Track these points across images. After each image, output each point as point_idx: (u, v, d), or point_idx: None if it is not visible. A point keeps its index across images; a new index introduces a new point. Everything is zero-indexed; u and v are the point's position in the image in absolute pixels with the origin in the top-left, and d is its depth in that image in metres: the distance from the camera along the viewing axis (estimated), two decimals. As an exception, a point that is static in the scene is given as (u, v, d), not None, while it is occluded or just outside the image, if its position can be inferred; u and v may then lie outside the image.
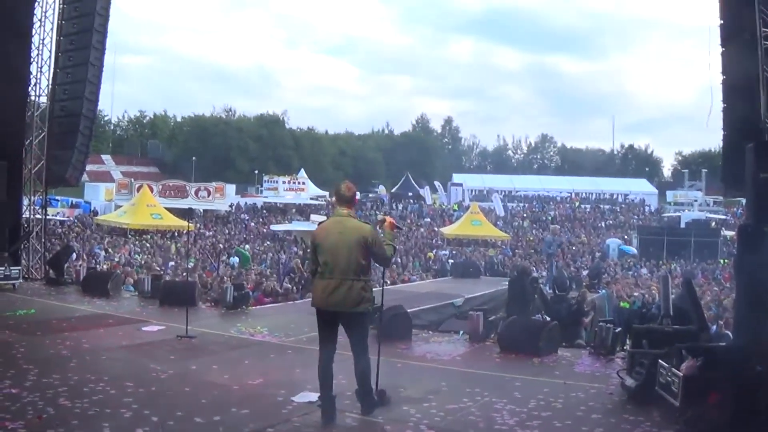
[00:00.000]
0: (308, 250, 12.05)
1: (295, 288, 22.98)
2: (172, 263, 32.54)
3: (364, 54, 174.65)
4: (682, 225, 56.60)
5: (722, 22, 14.45)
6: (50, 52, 21.63)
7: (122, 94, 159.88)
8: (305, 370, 10.53)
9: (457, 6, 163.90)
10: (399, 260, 33.81)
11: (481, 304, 19.29)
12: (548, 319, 14.91)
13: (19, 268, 19.71)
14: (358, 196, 9.47)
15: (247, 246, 41.95)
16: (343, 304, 8.18)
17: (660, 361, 8.98)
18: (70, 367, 10.17)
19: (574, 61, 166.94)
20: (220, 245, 43.68)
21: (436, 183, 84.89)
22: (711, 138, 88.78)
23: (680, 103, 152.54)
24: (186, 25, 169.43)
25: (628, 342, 12.98)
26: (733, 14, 14.12)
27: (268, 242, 46.49)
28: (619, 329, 13.31)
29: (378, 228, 8.81)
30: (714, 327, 16.05)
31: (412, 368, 11.33)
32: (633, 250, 46.54)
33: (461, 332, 15.07)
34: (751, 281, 9.84)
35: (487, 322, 14.45)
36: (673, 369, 8.43)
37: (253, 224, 57.63)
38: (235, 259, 35.36)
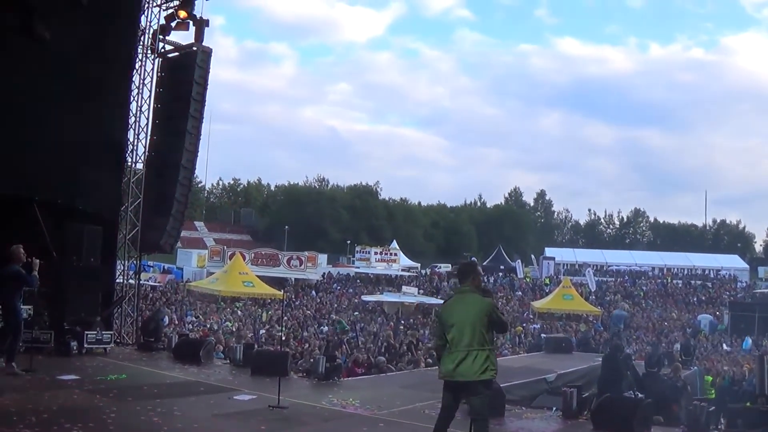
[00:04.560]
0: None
1: (387, 360, 22.74)
2: (263, 331, 32.54)
3: (454, 126, 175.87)
4: (774, 301, 55.32)
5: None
6: (147, 119, 21.95)
7: (216, 162, 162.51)
8: (397, 444, 10.34)
9: (546, 79, 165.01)
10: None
11: (573, 380, 18.99)
12: (641, 396, 14.57)
13: (111, 332, 19.75)
14: (480, 272, 9.93)
15: (334, 317, 41.84)
16: (469, 374, 8.46)
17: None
18: (161, 435, 10.04)
19: (663, 134, 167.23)
20: (309, 312, 43.91)
21: (532, 256, 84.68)
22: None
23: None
24: (278, 95, 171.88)
25: (722, 421, 12.63)
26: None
27: (357, 313, 46.29)
28: (713, 408, 12.97)
29: None
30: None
31: (507, 445, 11.05)
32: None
33: (554, 408, 14.77)
34: None
35: (580, 398, 14.16)
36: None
37: (344, 294, 57.59)
38: (324, 328, 35.43)
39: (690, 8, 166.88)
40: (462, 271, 9.31)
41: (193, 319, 36.52)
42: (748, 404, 13.13)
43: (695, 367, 24.25)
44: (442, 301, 45.36)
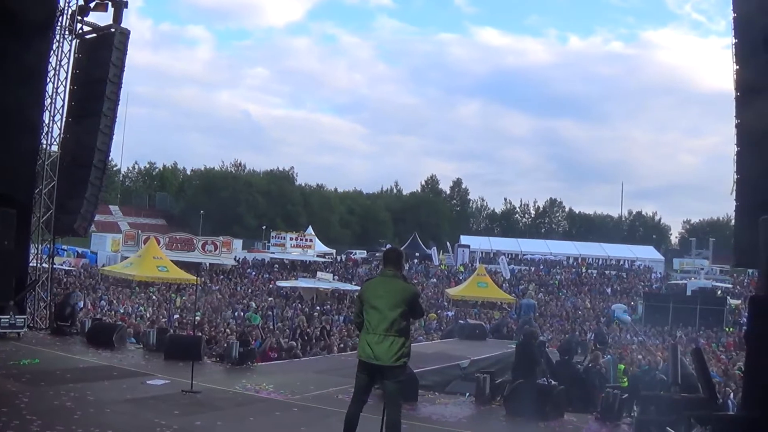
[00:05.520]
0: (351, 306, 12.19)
1: (299, 345, 22.83)
2: (176, 316, 32.38)
3: (371, 113, 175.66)
4: (688, 292, 56.15)
5: (738, 94, 14.52)
6: (63, 101, 21.69)
7: (131, 145, 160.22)
8: (310, 428, 10.50)
9: (465, 68, 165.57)
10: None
11: (487, 366, 19.19)
12: (554, 383, 14.86)
13: (24, 317, 19.60)
14: (404, 257, 9.80)
15: (252, 303, 41.68)
16: (384, 359, 8.57)
17: (668, 429, 8.89)
18: (74, 419, 10.02)
19: (581, 126, 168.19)
20: (224, 297, 43.87)
21: (447, 244, 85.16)
22: (719, 207, 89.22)
23: (688, 171, 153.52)
24: (194, 79, 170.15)
25: (635, 408, 12.92)
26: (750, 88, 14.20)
27: (271, 298, 46.18)
28: (626, 395, 13.25)
29: None
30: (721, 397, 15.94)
31: (418, 430, 11.20)
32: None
33: (467, 394, 15.01)
34: (762, 352, 9.78)
35: (493, 384, 14.39)
36: (682, 437, 8.35)
37: (259, 280, 57.54)
38: (238, 312, 35.44)
39: (611, 1, 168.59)
40: (389, 256, 9.37)
41: (106, 304, 36.15)
42: (661, 392, 13.49)
43: (609, 356, 24.66)
44: (356, 288, 45.63)
